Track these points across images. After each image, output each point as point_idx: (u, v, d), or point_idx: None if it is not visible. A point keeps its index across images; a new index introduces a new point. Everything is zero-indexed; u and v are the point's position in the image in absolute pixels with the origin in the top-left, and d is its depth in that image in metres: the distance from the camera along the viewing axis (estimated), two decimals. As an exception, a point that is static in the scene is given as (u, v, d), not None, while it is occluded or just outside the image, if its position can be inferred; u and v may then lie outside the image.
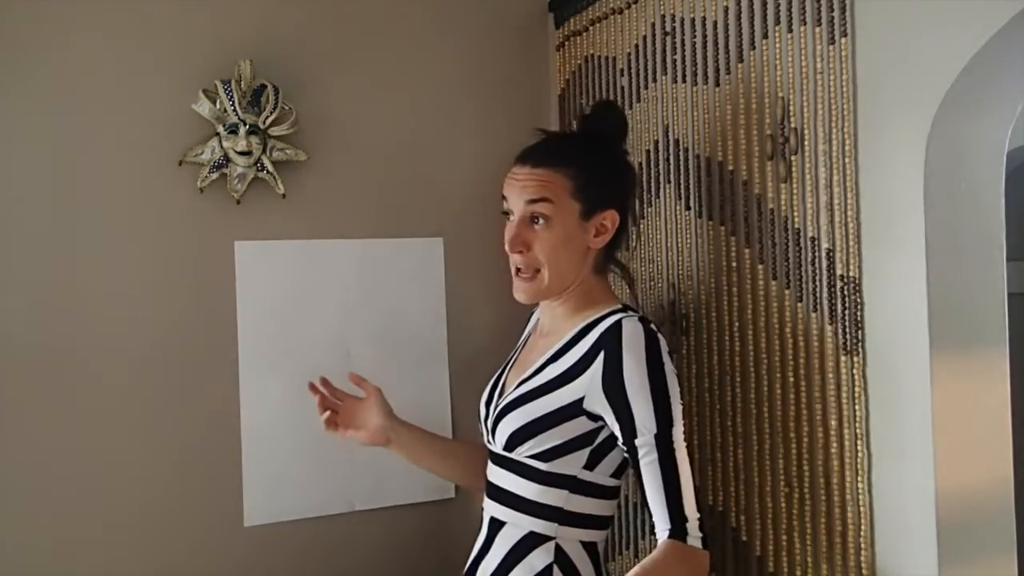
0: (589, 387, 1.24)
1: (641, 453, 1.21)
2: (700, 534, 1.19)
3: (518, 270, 1.33)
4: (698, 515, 1.20)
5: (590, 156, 1.34)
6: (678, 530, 1.18)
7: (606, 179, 1.34)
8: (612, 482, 1.30)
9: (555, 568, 1.25)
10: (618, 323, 1.25)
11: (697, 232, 1.48)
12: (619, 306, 1.32)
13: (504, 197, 1.35)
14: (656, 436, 1.20)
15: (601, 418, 1.25)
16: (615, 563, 1.66)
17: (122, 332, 1.57)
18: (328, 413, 1.48)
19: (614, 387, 1.22)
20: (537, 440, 1.27)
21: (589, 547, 1.30)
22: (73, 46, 1.54)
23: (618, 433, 1.23)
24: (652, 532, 1.55)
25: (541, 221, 1.30)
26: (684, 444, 1.22)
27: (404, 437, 1.50)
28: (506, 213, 1.35)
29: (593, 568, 1.29)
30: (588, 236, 1.32)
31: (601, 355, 1.25)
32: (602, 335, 1.26)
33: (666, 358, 1.24)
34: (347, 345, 1.71)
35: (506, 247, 1.33)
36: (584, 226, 1.32)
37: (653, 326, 1.26)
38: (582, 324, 1.31)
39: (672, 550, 1.18)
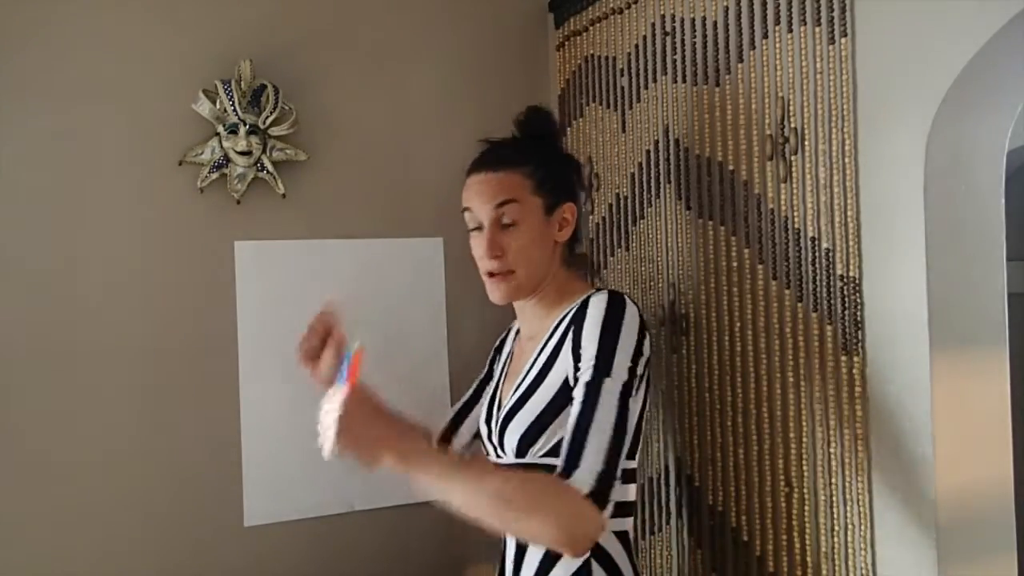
0: (566, 365, 1.25)
1: (574, 399, 1.20)
2: (592, 483, 1.11)
3: (491, 273, 1.33)
4: (600, 468, 1.12)
5: (540, 153, 1.36)
6: (565, 471, 1.13)
7: (560, 172, 1.37)
8: (629, 463, 1.28)
9: (593, 562, 1.23)
10: (587, 300, 1.27)
11: (697, 232, 1.48)
12: (592, 290, 1.33)
13: (467, 209, 1.33)
14: (587, 383, 1.18)
15: None
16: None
17: (122, 332, 1.57)
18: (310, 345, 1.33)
19: (576, 347, 1.23)
20: (546, 436, 1.26)
21: (621, 536, 1.28)
22: (73, 46, 1.55)
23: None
24: (669, 520, 1.55)
25: (510, 224, 1.31)
26: (616, 401, 1.16)
27: None
28: (472, 228, 1.34)
29: (627, 557, 1.28)
30: (553, 231, 1.35)
31: (571, 331, 1.26)
32: (573, 316, 1.28)
33: (628, 321, 1.22)
34: (347, 345, 1.71)
35: (483, 256, 1.32)
36: (549, 221, 1.34)
37: (628, 297, 1.26)
38: (560, 315, 1.32)
39: (545, 478, 1.13)
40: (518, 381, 1.33)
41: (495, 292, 1.34)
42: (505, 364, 1.47)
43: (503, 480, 1.15)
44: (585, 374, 1.20)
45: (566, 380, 1.25)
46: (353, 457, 1.10)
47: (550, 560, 1.26)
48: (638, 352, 1.22)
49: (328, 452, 1.09)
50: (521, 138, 1.41)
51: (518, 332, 1.46)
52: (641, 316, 1.26)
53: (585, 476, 1.11)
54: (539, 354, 1.32)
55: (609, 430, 1.15)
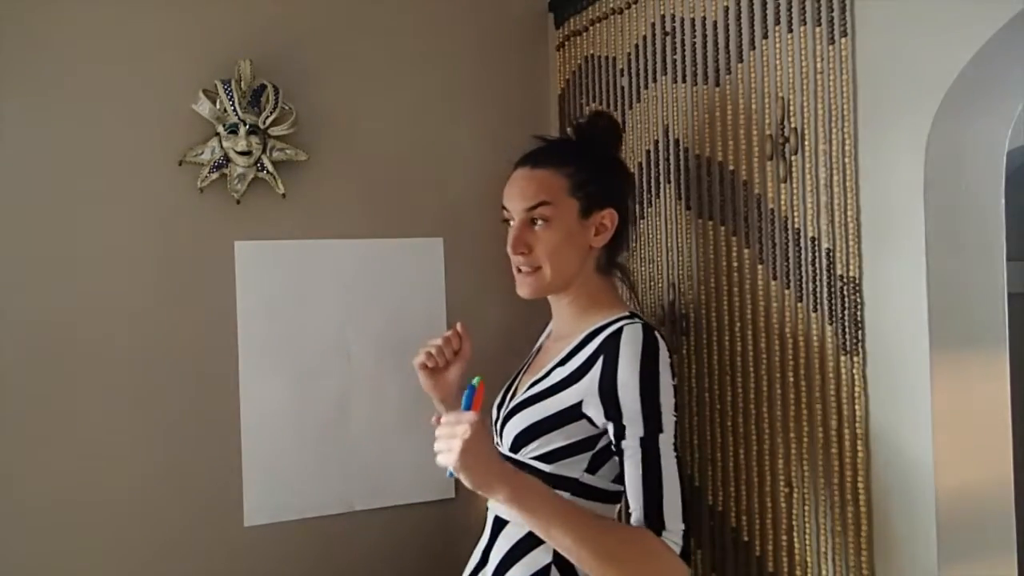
0: (587, 391, 1.25)
1: (627, 454, 1.20)
2: (680, 542, 1.15)
3: (519, 268, 1.36)
4: (682, 527, 1.16)
5: (586, 156, 1.37)
6: (653, 526, 1.16)
7: (602, 177, 1.36)
8: (614, 487, 1.29)
9: (553, 568, 1.25)
10: (620, 329, 1.26)
11: (697, 232, 1.48)
12: (626, 312, 1.33)
13: (504, 207, 1.37)
14: (642, 439, 1.19)
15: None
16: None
17: (122, 332, 1.57)
18: (430, 357, 1.49)
19: (607, 389, 1.23)
20: (541, 442, 1.27)
21: None
22: (73, 46, 1.55)
23: (611, 435, 1.23)
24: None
25: (541, 222, 1.33)
26: (673, 454, 1.20)
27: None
28: (506, 221, 1.37)
29: None
30: (588, 234, 1.34)
31: (600, 360, 1.25)
32: (604, 341, 1.26)
33: (663, 366, 1.23)
34: (347, 345, 1.71)
35: (508, 250, 1.35)
36: (584, 224, 1.34)
37: (657, 333, 1.26)
38: (589, 329, 1.32)
39: (645, 536, 1.15)
40: (534, 379, 1.35)
41: (521, 287, 1.37)
42: (531, 356, 1.48)
43: (606, 532, 1.17)
44: (635, 428, 1.20)
45: (579, 404, 1.25)
46: (468, 480, 1.13)
47: (512, 557, 1.28)
48: (676, 396, 1.24)
49: (452, 468, 1.13)
50: (573, 139, 1.43)
51: (551, 330, 1.47)
52: (669, 350, 1.26)
53: (675, 536, 1.15)
54: (560, 363, 1.32)
55: (677, 487, 1.18)
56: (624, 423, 1.21)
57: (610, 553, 1.14)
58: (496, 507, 1.35)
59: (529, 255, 1.34)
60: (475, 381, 1.20)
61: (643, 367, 1.21)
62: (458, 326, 1.52)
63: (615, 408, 1.21)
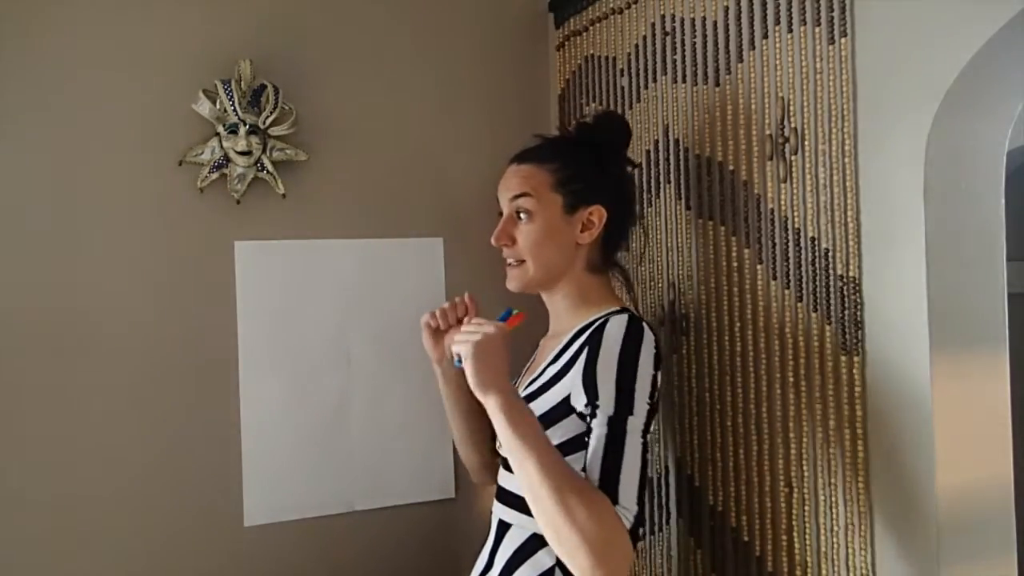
0: (573, 384, 1.25)
1: (593, 433, 1.19)
2: (631, 520, 1.13)
3: (507, 261, 1.40)
4: (635, 510, 1.14)
5: (575, 153, 1.38)
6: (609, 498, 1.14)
7: (589, 174, 1.37)
8: None
9: (557, 570, 1.25)
10: (606, 321, 1.27)
11: (697, 232, 1.48)
12: (617, 307, 1.33)
13: (497, 200, 1.41)
14: (610, 418, 1.18)
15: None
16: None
17: (122, 332, 1.57)
18: (434, 318, 1.53)
19: (588, 372, 1.23)
20: None
21: None
22: (73, 46, 1.55)
23: (586, 416, 1.22)
24: (668, 520, 1.54)
25: (524, 215, 1.36)
26: (640, 440, 1.18)
27: (454, 383, 1.54)
28: (500, 214, 1.41)
29: None
30: (574, 231, 1.35)
31: (585, 351, 1.26)
32: (591, 334, 1.27)
33: (644, 354, 1.22)
34: (347, 345, 1.71)
35: (492, 241, 1.38)
36: (569, 220, 1.35)
37: (646, 325, 1.27)
38: (580, 325, 1.33)
39: (607, 504, 1.12)
40: (531, 378, 1.36)
41: (508, 280, 1.41)
42: (531, 359, 1.49)
43: (572, 481, 1.13)
44: (606, 407, 1.19)
45: (567, 399, 1.25)
46: (471, 373, 1.16)
47: (516, 560, 1.28)
48: (654, 386, 1.23)
49: (463, 355, 1.18)
50: (569, 136, 1.45)
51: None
52: (657, 343, 1.26)
53: (628, 513, 1.14)
54: (553, 361, 1.33)
55: (637, 472, 1.16)
56: (597, 403, 1.20)
57: (566, 502, 1.10)
58: (499, 510, 1.35)
59: (513, 247, 1.37)
60: (515, 311, 1.30)
61: (622, 352, 1.22)
62: (466, 296, 1.54)
63: (592, 390, 1.21)
